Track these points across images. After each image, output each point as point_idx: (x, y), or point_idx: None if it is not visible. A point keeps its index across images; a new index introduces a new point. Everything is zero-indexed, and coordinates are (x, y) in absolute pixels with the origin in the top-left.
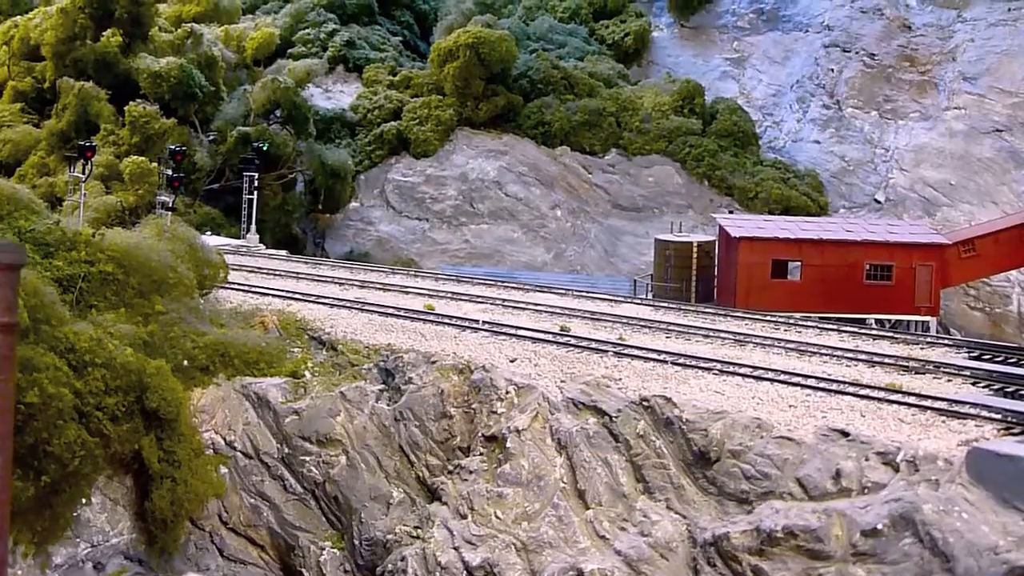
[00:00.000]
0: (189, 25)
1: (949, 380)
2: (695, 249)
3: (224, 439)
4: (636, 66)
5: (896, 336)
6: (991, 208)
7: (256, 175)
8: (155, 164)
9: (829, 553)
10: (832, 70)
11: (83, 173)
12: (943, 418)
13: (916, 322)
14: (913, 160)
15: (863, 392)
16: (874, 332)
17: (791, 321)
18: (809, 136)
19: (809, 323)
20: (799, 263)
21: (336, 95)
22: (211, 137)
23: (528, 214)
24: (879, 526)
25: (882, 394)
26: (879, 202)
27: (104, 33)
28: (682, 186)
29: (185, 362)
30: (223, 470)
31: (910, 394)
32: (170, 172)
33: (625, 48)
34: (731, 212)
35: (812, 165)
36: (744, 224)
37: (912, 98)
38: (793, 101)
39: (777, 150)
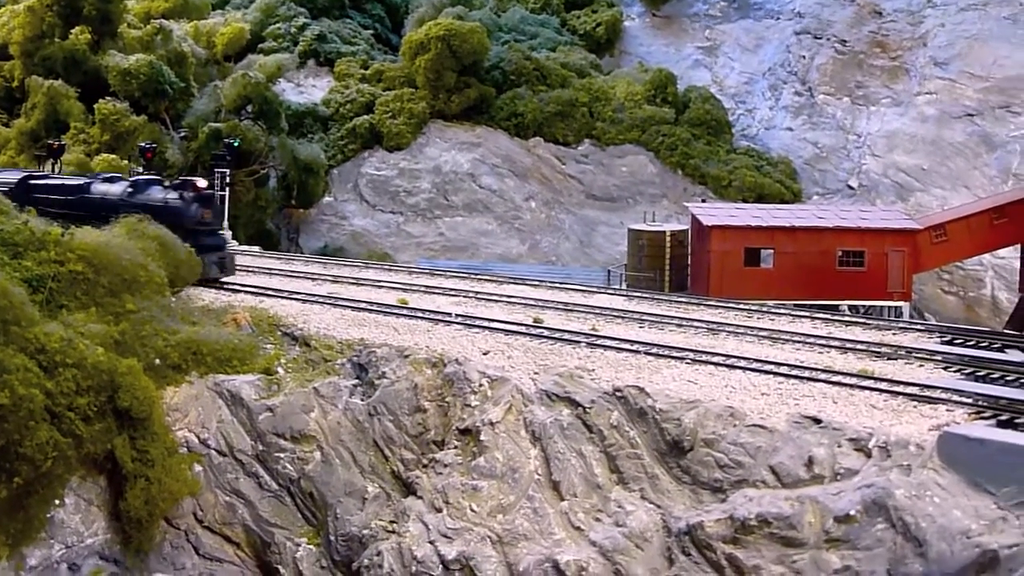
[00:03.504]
0: (158, 21)
1: (921, 365)
2: (668, 238)
3: (198, 437)
4: (608, 56)
5: (868, 322)
6: (963, 192)
7: (228, 171)
8: (126, 162)
9: (803, 540)
10: (804, 57)
11: (53, 172)
12: (915, 403)
13: (889, 308)
14: (885, 146)
15: (835, 379)
16: (846, 318)
17: (764, 309)
18: (782, 123)
19: (782, 310)
20: (772, 250)
21: (308, 89)
22: (182, 134)
23: (502, 206)
24: (852, 512)
25: (854, 380)
26: (852, 188)
27: (73, 31)
28: (656, 175)
29: (157, 361)
30: (197, 468)
31: (882, 380)
32: (141, 170)
33: (597, 38)
34: (704, 201)
35: (785, 152)
36: (716, 212)
37: (884, 84)
38: (765, 89)
39: (750, 138)
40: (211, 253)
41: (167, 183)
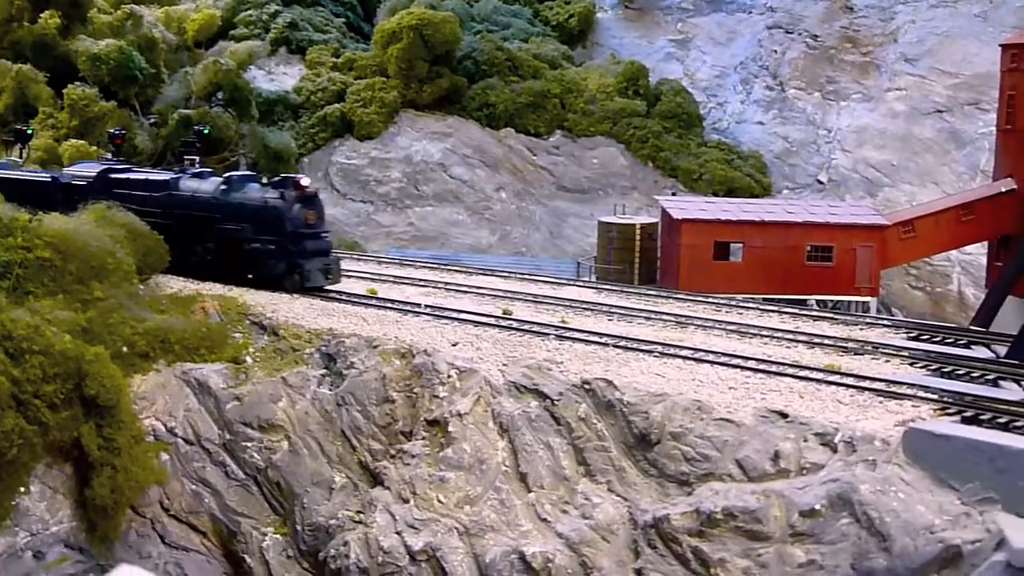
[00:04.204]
0: (129, 6)
1: (887, 361)
2: (638, 231)
3: (165, 426)
4: (581, 47)
5: (836, 317)
6: (932, 188)
7: (197, 159)
8: (95, 148)
9: (768, 534)
10: (775, 51)
11: (21, 157)
12: (880, 399)
13: (857, 303)
14: (855, 141)
15: (802, 373)
16: (814, 313)
17: (732, 303)
18: (753, 117)
19: (750, 305)
20: (741, 245)
21: (279, 77)
22: (152, 120)
23: (473, 196)
24: (817, 507)
25: (821, 375)
26: (822, 183)
27: (42, 15)
28: (627, 167)
29: (124, 348)
30: (164, 457)
31: (848, 375)
32: (110, 156)
33: (570, 29)
34: (674, 194)
35: (756, 146)
36: (686, 206)
37: (854, 79)
38: (737, 82)
39: (721, 131)
40: (315, 259)
41: (264, 180)
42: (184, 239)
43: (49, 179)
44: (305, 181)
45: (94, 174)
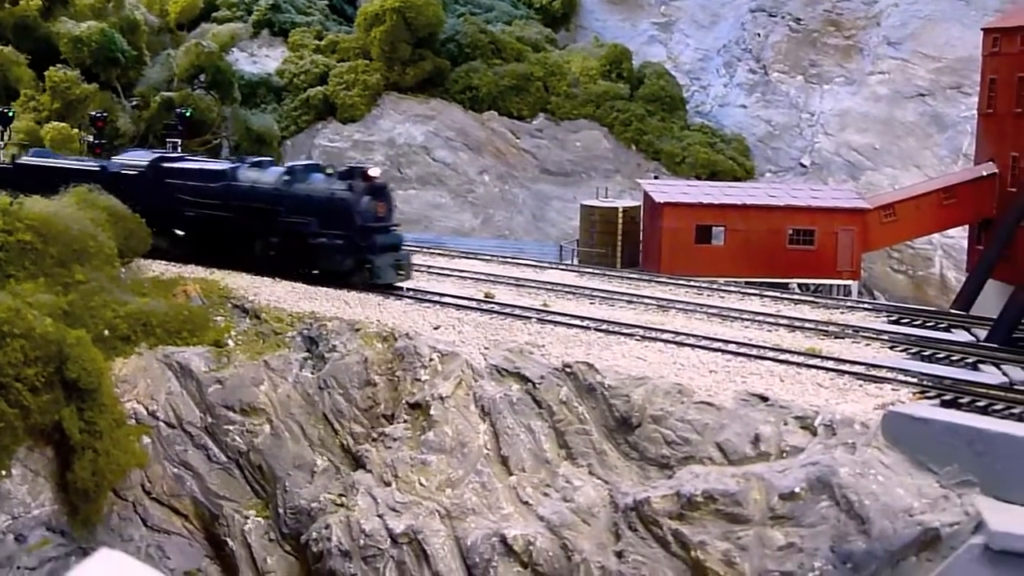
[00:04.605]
0: None
1: (868, 344)
2: (620, 214)
3: (146, 409)
4: (564, 30)
5: (817, 300)
6: (914, 172)
7: (179, 141)
8: (77, 130)
9: (748, 517)
10: (758, 35)
11: (2, 140)
12: (860, 382)
13: (838, 286)
14: (838, 124)
15: (783, 357)
16: (795, 297)
17: (714, 286)
18: (736, 101)
19: (732, 288)
20: (723, 228)
21: (261, 59)
22: (134, 102)
23: (456, 179)
24: (797, 489)
25: (801, 359)
26: (804, 166)
27: None
28: (610, 151)
29: (106, 332)
30: (145, 440)
31: (829, 358)
32: (91, 139)
33: (553, 12)
34: (657, 177)
35: (739, 130)
36: (668, 189)
37: (837, 63)
38: (720, 66)
39: (704, 115)
40: (386, 254)
41: (330, 170)
42: (243, 233)
43: (97, 168)
44: (374, 171)
45: (146, 163)
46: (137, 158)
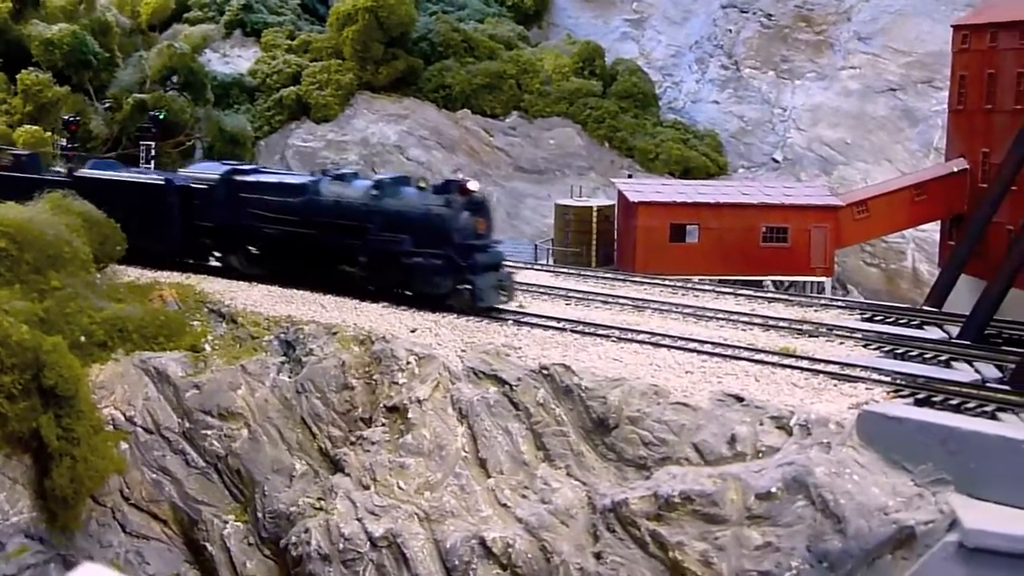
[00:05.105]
0: None
1: (842, 343)
2: (595, 213)
3: (124, 415)
4: (536, 28)
5: (791, 298)
6: (886, 166)
7: (153, 144)
8: (49, 133)
9: (725, 517)
10: (730, 31)
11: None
12: (835, 381)
13: (812, 283)
14: (810, 119)
15: (758, 357)
16: (769, 295)
17: (689, 285)
18: (708, 96)
19: (706, 287)
20: (697, 226)
21: (234, 60)
22: (107, 105)
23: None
24: (773, 489)
25: (776, 358)
26: (777, 161)
27: None
28: (583, 148)
29: (82, 338)
30: (123, 446)
31: (803, 358)
32: (64, 142)
33: (525, 9)
34: (631, 175)
35: (711, 125)
36: (642, 188)
37: (808, 58)
38: (692, 62)
39: (677, 111)
40: (487, 274)
41: (422, 183)
42: (327, 251)
43: (162, 182)
44: (473, 185)
45: (217, 176)
46: (206, 171)
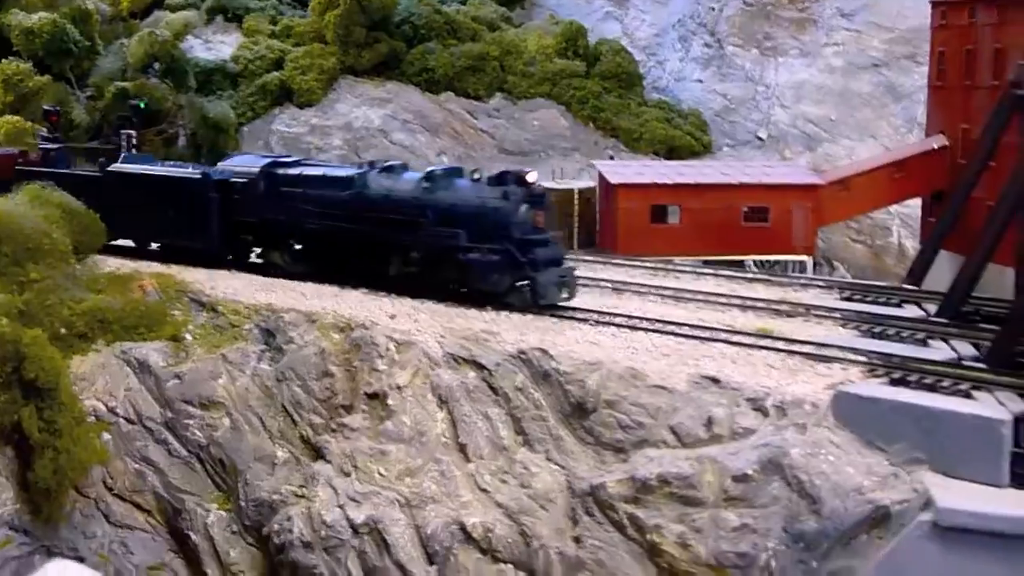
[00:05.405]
0: None
1: (819, 323)
2: (576, 196)
3: (106, 406)
4: (519, 8)
5: (771, 279)
6: (870, 142)
7: (134, 133)
8: (31, 123)
9: (702, 499)
10: (713, 9)
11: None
12: (811, 362)
13: (793, 262)
14: (794, 96)
15: (735, 338)
16: (749, 275)
17: (669, 267)
18: (692, 75)
19: (686, 268)
20: (678, 207)
21: (216, 46)
22: (88, 93)
23: (414, 161)
24: (749, 471)
25: (753, 340)
26: (761, 139)
27: None
28: (567, 129)
29: (63, 330)
30: (106, 437)
31: (780, 339)
32: (45, 132)
33: None
34: (612, 157)
35: (695, 104)
36: (623, 170)
37: (792, 35)
38: (675, 40)
39: (661, 90)
40: (547, 270)
41: (476, 175)
42: (376, 247)
43: (199, 176)
44: (532, 176)
45: (257, 169)
46: (245, 163)
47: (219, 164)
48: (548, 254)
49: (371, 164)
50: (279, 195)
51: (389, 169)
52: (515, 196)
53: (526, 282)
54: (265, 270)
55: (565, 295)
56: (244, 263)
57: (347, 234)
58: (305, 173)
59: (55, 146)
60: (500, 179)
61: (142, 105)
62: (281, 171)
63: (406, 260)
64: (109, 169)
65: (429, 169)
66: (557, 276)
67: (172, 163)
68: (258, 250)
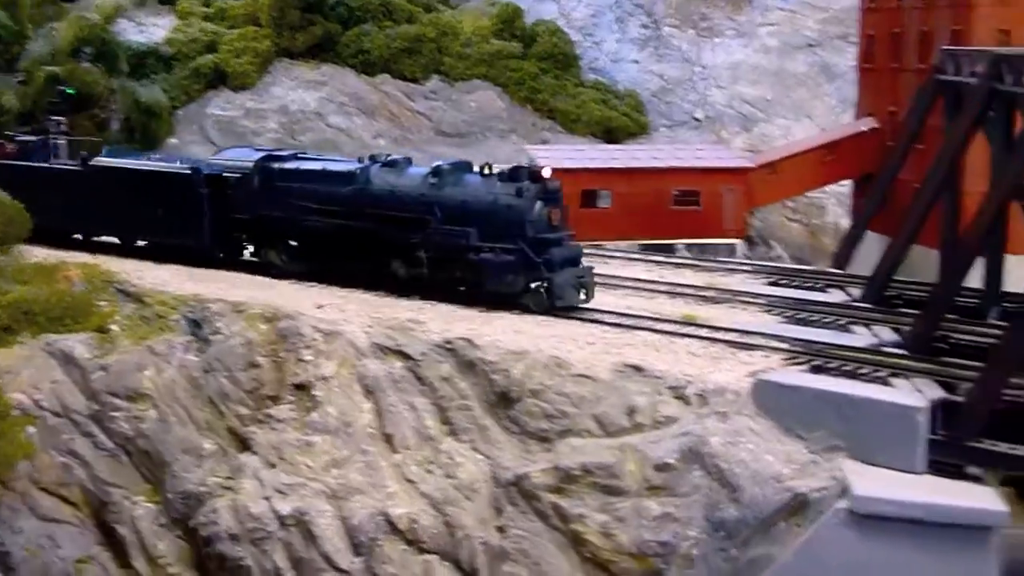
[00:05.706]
0: None
1: (744, 309)
2: None
3: (31, 399)
4: None
5: (699, 264)
6: (806, 122)
7: (64, 119)
8: None
9: (624, 489)
10: None
11: None
12: (733, 350)
13: (724, 245)
14: (730, 77)
15: (659, 327)
16: (677, 260)
17: (599, 252)
18: (628, 56)
19: (617, 255)
20: (609, 192)
21: (149, 28)
22: (19, 79)
23: (351, 144)
24: (670, 460)
25: (677, 327)
26: (698, 120)
27: None
28: (504, 110)
29: None
30: (31, 430)
31: (703, 326)
32: None
33: None
34: (545, 142)
35: (632, 85)
36: (553, 155)
37: (727, 16)
38: (612, 21)
39: (598, 71)
40: (564, 271)
41: (486, 169)
42: (380, 246)
43: (188, 171)
44: (546, 171)
45: (251, 163)
46: (239, 157)
47: (211, 157)
48: (564, 253)
49: (372, 158)
50: (275, 190)
51: (392, 163)
52: (529, 192)
53: (542, 283)
54: (263, 269)
55: (583, 297)
56: (238, 262)
57: (348, 232)
58: (303, 167)
59: (34, 138)
60: (513, 175)
61: (70, 91)
62: (277, 165)
63: (413, 260)
64: (91, 163)
65: (435, 164)
66: (574, 277)
67: (160, 156)
68: (252, 249)
